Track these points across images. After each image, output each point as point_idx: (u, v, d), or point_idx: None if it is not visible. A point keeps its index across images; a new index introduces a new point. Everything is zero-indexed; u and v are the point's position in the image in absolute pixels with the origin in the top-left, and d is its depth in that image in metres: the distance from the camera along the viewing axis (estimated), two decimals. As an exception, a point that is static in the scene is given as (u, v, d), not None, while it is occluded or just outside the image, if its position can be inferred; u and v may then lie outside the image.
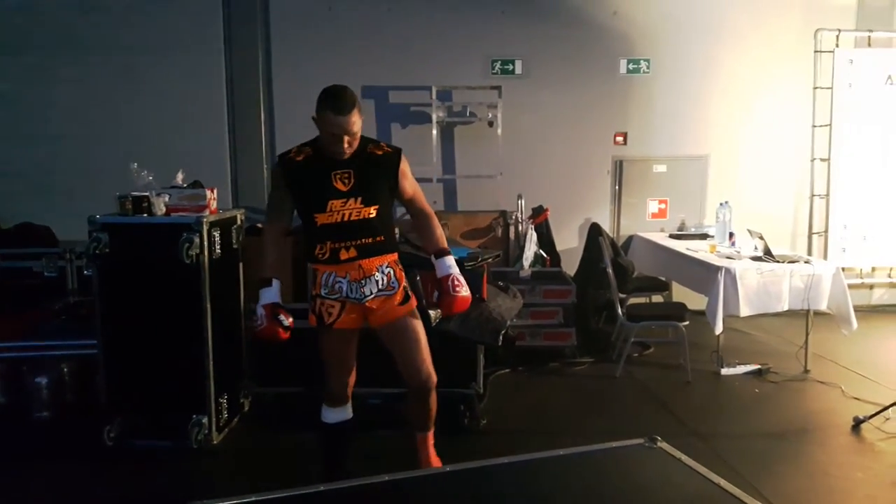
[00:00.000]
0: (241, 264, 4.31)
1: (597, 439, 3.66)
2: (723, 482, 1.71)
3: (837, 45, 6.72)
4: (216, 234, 3.91)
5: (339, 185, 2.91)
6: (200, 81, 6.50)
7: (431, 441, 3.29)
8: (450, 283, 3.00)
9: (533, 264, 6.01)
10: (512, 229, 6.49)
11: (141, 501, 3.35)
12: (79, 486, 3.52)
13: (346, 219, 2.91)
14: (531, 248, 6.08)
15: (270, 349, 4.36)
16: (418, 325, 3.09)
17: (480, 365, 4.44)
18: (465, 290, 3.02)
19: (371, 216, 2.95)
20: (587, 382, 5.10)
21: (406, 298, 3.07)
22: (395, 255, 3.09)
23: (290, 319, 2.94)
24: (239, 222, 4.28)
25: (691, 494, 1.70)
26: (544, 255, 6.17)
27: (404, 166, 3.05)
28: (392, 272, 3.04)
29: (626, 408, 4.61)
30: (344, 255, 2.93)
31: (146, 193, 3.81)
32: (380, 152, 3.01)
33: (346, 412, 3.21)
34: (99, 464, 3.72)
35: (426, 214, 3.15)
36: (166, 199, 3.86)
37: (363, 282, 2.97)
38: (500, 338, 4.22)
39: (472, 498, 1.71)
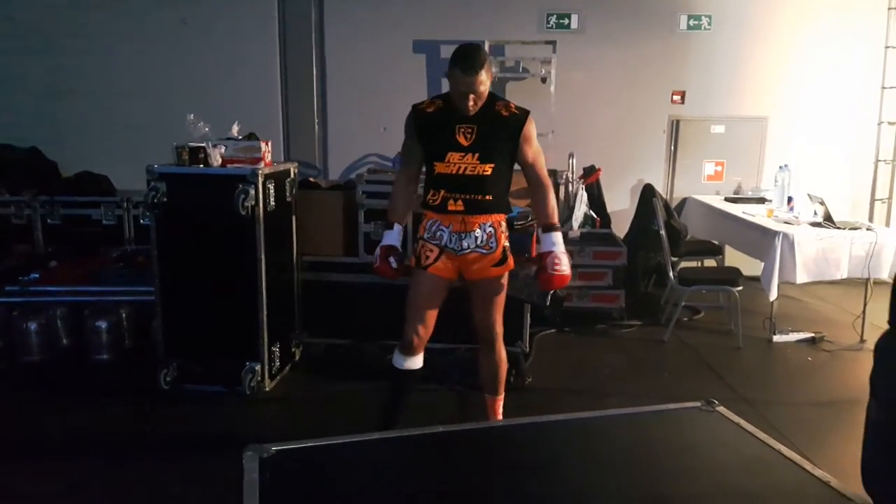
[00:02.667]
0: (293, 217, 4.35)
1: (644, 402, 3.63)
2: (783, 448, 1.69)
3: (914, 2, 6.39)
4: (271, 186, 3.94)
5: (461, 139, 2.96)
6: (253, 33, 6.50)
7: (499, 409, 3.35)
8: (550, 259, 3.00)
9: (583, 225, 5.93)
10: (562, 189, 6.40)
11: (196, 444, 3.45)
12: (136, 427, 3.66)
13: (460, 172, 2.97)
14: (581, 209, 5.99)
15: (320, 301, 4.50)
16: (503, 290, 3.15)
17: (527, 324, 4.43)
18: (564, 269, 3.00)
19: (486, 173, 2.97)
20: (635, 345, 5.06)
21: (502, 261, 3.10)
22: (502, 217, 3.10)
23: (398, 264, 3.10)
24: (292, 175, 4.31)
25: (750, 459, 1.68)
26: (594, 215, 6.08)
27: (529, 130, 3.03)
28: (494, 231, 3.06)
29: (674, 372, 4.56)
30: (452, 206, 3.00)
31: (203, 144, 3.85)
32: (506, 113, 3.01)
33: (417, 362, 3.22)
34: (155, 406, 3.85)
35: (543, 184, 3.11)
36: (222, 150, 3.89)
37: (463, 235, 3.03)
38: (549, 298, 4.20)
39: (527, 454, 1.72)
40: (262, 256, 3.87)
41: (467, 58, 2.85)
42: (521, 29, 6.51)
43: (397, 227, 3.12)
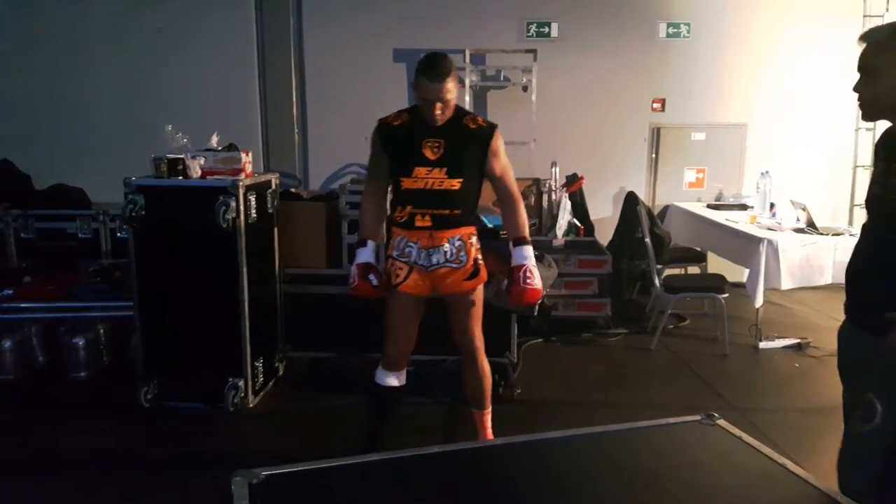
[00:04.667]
0: (275, 229, 4.28)
1: (633, 412, 3.61)
2: (788, 463, 1.65)
3: (888, 10, 6.48)
4: (252, 198, 3.86)
5: (428, 154, 2.92)
6: (231, 43, 6.44)
7: (488, 423, 3.31)
8: (521, 273, 2.97)
9: (566, 233, 5.92)
10: (545, 197, 6.39)
11: (179, 463, 3.35)
12: (116, 447, 3.56)
13: (427, 186, 2.93)
14: (565, 217, 5.98)
15: (303, 314, 4.43)
16: (479, 303, 3.11)
17: (514, 334, 4.39)
18: (536, 282, 2.98)
19: (453, 188, 2.95)
20: (621, 354, 5.04)
21: (474, 274, 3.06)
22: (471, 230, 3.07)
23: (378, 280, 3.01)
24: (274, 186, 4.24)
25: (755, 475, 1.63)
26: (578, 223, 6.07)
27: (496, 144, 3.00)
28: (463, 246, 3.02)
29: (661, 380, 4.54)
30: (419, 222, 2.96)
31: (181, 156, 3.77)
32: (473, 126, 2.98)
33: (400, 378, 3.19)
34: (136, 424, 3.75)
35: (512, 198, 3.08)
36: (202, 161, 3.81)
37: (432, 251, 2.99)
38: (536, 308, 4.16)
39: (524, 472, 1.67)
40: (244, 269, 3.78)
41: (433, 65, 2.83)
42: (502, 37, 6.50)
43: (371, 244, 3.06)
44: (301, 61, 6.57)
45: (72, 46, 6.34)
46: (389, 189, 3.14)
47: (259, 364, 4.03)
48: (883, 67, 2.05)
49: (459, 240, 3.01)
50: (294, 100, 6.57)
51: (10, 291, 4.62)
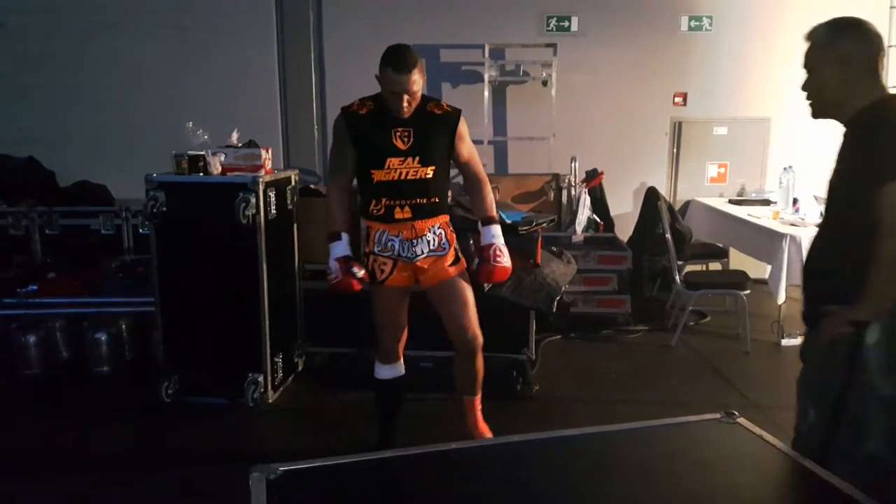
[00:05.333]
0: (295, 225, 4.30)
1: (654, 410, 3.58)
2: (808, 462, 1.63)
3: (916, 1, 6.35)
4: (272, 194, 3.89)
5: (399, 144, 2.91)
6: (251, 40, 6.45)
7: (479, 406, 3.29)
8: (491, 252, 2.98)
9: (586, 229, 5.88)
10: (564, 193, 6.36)
11: (199, 458, 3.39)
12: (138, 441, 3.60)
13: (402, 177, 2.92)
14: (584, 213, 5.94)
15: (322, 309, 4.44)
16: (467, 287, 3.09)
17: (532, 330, 4.37)
18: (505, 260, 2.99)
19: (427, 176, 2.95)
20: (641, 351, 5.00)
21: (456, 260, 3.07)
22: (447, 217, 3.09)
23: (363, 272, 2.96)
24: (293, 183, 4.26)
25: (775, 474, 1.62)
26: (597, 219, 6.03)
27: (462, 128, 3.02)
28: (444, 233, 3.04)
29: (682, 378, 4.50)
30: (398, 214, 2.95)
31: (202, 152, 3.80)
32: (439, 112, 2.98)
33: (399, 368, 3.25)
34: (157, 419, 3.80)
35: (479, 180, 3.11)
36: (222, 158, 3.84)
37: (415, 241, 2.99)
38: (554, 304, 4.15)
39: (542, 470, 1.66)
40: (264, 265, 3.82)
41: (399, 57, 2.80)
42: (521, 32, 6.46)
43: (345, 237, 2.97)
44: (321, 58, 6.58)
45: (95, 45, 6.40)
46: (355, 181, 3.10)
47: (278, 359, 4.06)
48: (821, 65, 2.10)
49: (439, 228, 3.03)
50: (313, 96, 6.58)
51: (35, 287, 4.69)
